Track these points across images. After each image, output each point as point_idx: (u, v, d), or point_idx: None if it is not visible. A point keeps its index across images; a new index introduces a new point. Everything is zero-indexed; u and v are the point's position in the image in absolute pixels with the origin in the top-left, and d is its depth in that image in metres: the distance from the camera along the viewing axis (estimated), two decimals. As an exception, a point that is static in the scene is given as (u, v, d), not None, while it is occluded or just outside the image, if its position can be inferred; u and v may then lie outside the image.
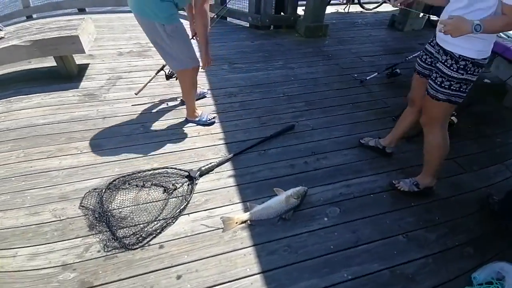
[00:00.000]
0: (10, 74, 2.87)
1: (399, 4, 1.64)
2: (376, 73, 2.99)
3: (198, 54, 2.07)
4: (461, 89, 1.45)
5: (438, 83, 1.48)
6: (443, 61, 1.45)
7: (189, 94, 2.23)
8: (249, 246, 1.50)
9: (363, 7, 5.28)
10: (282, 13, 4.25)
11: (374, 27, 4.55)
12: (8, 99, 2.52)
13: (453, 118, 2.29)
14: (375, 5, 5.38)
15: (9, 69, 2.90)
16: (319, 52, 3.60)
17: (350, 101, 2.71)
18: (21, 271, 1.38)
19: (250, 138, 2.20)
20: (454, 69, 1.41)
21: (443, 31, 1.28)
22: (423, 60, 1.65)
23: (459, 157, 2.13)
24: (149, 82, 2.59)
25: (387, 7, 5.23)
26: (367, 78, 2.97)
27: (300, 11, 4.28)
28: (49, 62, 2.89)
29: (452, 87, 1.45)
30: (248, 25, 4.22)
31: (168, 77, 2.59)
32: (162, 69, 2.59)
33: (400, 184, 1.82)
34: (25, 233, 1.54)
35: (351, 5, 5.19)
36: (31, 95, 2.57)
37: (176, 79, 2.58)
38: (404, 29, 4.35)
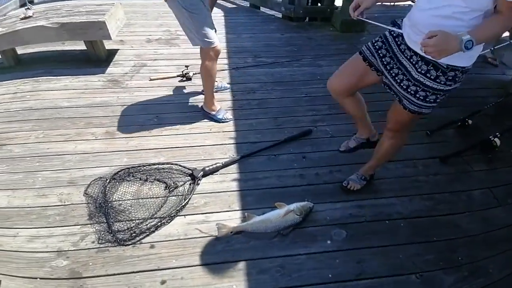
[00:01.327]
0: (42, 53, 3.00)
1: (356, 16, 1.29)
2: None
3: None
4: (444, 97, 1.24)
5: (421, 97, 1.22)
6: (423, 71, 1.17)
7: (206, 80, 2.14)
8: (240, 260, 1.42)
9: (413, 0, 4.78)
10: (319, 4, 3.98)
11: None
12: (37, 78, 2.63)
13: (496, 139, 1.96)
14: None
15: (43, 48, 3.01)
16: (354, 49, 3.22)
17: (381, 108, 2.44)
18: (19, 251, 1.43)
19: (262, 140, 2.08)
20: (442, 82, 1.16)
21: (423, 51, 1.03)
22: (377, 48, 1.32)
23: (497, 187, 1.82)
24: (167, 78, 2.68)
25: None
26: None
27: (339, 2, 3.96)
28: (81, 45, 2.96)
29: (437, 100, 1.23)
30: (281, 16, 4.01)
31: (182, 80, 2.67)
32: (183, 74, 2.67)
33: (350, 183, 1.73)
34: (29, 214, 1.59)
35: (398, -2, 4.72)
36: (60, 77, 2.67)
37: (188, 80, 2.65)
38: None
